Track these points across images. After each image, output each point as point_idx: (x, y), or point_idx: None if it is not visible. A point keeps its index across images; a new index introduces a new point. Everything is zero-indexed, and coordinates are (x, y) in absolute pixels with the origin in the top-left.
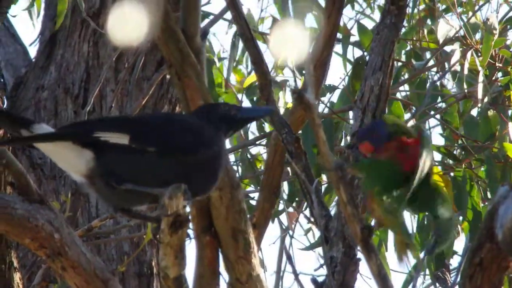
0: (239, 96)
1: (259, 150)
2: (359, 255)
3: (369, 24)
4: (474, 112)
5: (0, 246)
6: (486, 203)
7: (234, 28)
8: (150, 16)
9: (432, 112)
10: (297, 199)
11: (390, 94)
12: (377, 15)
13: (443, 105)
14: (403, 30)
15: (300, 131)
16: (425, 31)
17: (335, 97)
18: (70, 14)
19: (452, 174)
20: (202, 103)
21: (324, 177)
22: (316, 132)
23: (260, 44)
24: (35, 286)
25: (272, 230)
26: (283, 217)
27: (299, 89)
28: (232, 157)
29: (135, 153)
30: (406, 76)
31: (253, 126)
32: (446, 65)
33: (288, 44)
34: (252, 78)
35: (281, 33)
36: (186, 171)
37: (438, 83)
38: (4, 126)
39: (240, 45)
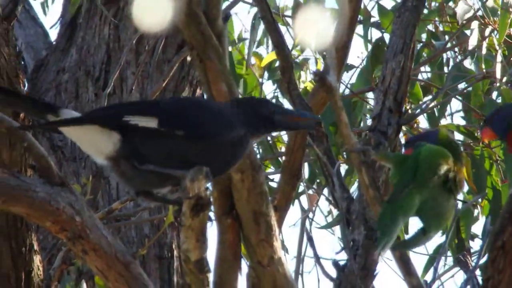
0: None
1: (279, 132)
2: None
3: (388, 4)
4: (493, 94)
5: (21, 229)
6: (505, 183)
7: (255, 8)
8: (173, 1)
9: (453, 94)
10: (317, 181)
11: (410, 76)
12: None
13: (463, 85)
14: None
15: (321, 114)
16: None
17: (354, 78)
18: None
19: (471, 153)
20: (224, 85)
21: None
22: (338, 114)
23: (281, 26)
24: (55, 269)
25: (292, 213)
26: (303, 199)
27: (321, 71)
28: None
29: (162, 137)
30: (426, 57)
31: None
32: (466, 46)
33: (310, 26)
34: (271, 56)
35: (303, 16)
36: (211, 154)
37: (457, 63)
38: (31, 111)
39: (261, 26)
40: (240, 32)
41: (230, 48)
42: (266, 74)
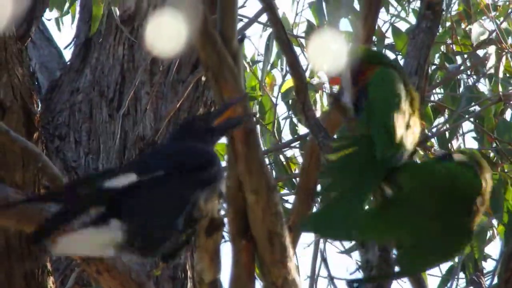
0: (273, 99)
1: (294, 153)
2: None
3: (402, 26)
4: (507, 115)
5: (34, 249)
6: None
7: (268, 31)
8: (189, 23)
9: (467, 116)
10: None
11: (424, 97)
12: (411, 18)
13: (477, 108)
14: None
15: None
16: (458, 35)
17: None
18: (106, 18)
19: None
20: (239, 106)
21: None
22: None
23: (296, 47)
24: None
25: (306, 234)
26: None
27: (335, 93)
28: (266, 160)
29: (147, 185)
30: (439, 79)
31: (286, 129)
32: (480, 68)
33: (325, 49)
34: (289, 82)
35: (318, 38)
36: (196, 187)
37: (472, 86)
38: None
39: (274, 48)
40: (253, 55)
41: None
42: (279, 96)
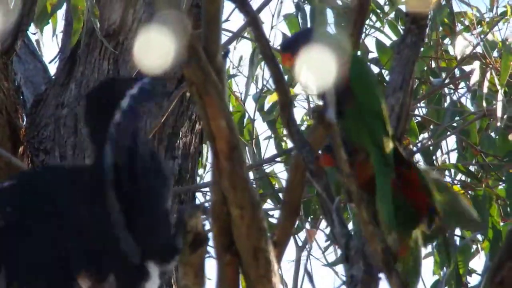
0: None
1: (273, 168)
2: (380, 274)
3: (387, 40)
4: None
5: None
6: (506, 222)
7: (241, 43)
8: (174, 38)
9: (449, 132)
10: (311, 217)
11: (409, 112)
12: (387, 30)
13: (460, 122)
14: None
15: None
16: (443, 50)
17: None
18: (90, 32)
19: (471, 192)
20: (223, 121)
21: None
22: (337, 151)
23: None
24: None
25: (291, 248)
26: (300, 235)
27: (319, 108)
28: (251, 175)
29: None
30: (423, 93)
31: (271, 145)
32: (463, 83)
33: (308, 63)
34: (273, 97)
35: (301, 54)
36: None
37: (456, 100)
38: None
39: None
40: (227, 68)
41: None
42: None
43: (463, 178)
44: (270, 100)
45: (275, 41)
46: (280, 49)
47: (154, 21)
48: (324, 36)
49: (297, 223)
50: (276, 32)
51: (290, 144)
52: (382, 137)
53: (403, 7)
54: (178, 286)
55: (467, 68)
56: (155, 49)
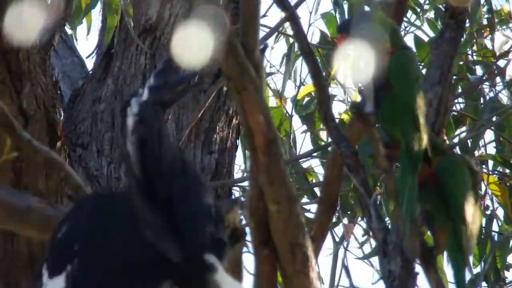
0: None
1: (310, 164)
2: (417, 268)
3: (425, 36)
4: None
5: None
6: None
7: (280, 42)
8: (213, 33)
9: (486, 127)
10: (348, 212)
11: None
12: (426, 27)
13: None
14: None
15: (358, 145)
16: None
17: None
18: (127, 27)
19: (508, 183)
20: (261, 117)
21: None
22: (376, 146)
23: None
24: None
25: (329, 243)
26: (337, 229)
27: (358, 103)
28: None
29: None
30: (461, 89)
31: (307, 140)
32: (498, 79)
33: (347, 59)
34: (305, 90)
35: (339, 48)
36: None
37: (492, 96)
38: None
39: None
40: (265, 65)
41: None
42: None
43: (501, 169)
44: (301, 93)
45: (313, 38)
46: (337, 30)
47: (192, 16)
48: (377, 21)
49: (334, 217)
50: (314, 30)
51: (325, 139)
52: (410, 131)
53: (441, 5)
54: None
55: (505, 63)
56: (193, 44)
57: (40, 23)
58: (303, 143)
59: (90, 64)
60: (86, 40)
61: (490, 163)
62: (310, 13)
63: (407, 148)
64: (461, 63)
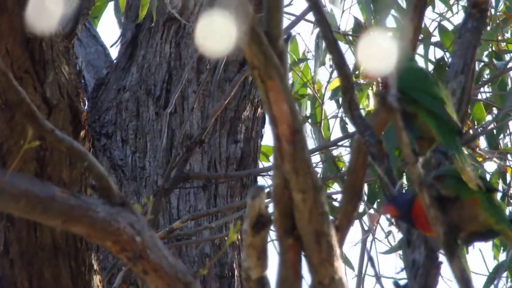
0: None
1: (340, 152)
2: (441, 258)
3: (449, 25)
4: None
5: (81, 249)
6: None
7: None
8: (237, 22)
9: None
10: (378, 200)
11: (471, 95)
12: (460, 17)
13: None
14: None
15: (382, 134)
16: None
17: None
18: (154, 14)
19: None
20: (285, 105)
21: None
22: (399, 135)
23: (343, 44)
24: None
25: (353, 232)
26: (366, 219)
27: (382, 91)
28: (315, 159)
29: None
30: (488, 77)
31: (337, 127)
32: None
33: (372, 48)
34: (336, 82)
35: (366, 38)
36: None
37: None
38: None
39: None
40: (303, 52)
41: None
42: (326, 94)
43: None
44: (331, 87)
45: (347, 25)
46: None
47: (216, 5)
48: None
49: (362, 207)
50: (348, 16)
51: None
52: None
53: None
54: (241, 269)
55: None
56: (217, 33)
57: (63, 12)
58: (333, 127)
59: (114, 53)
60: (112, 26)
61: None
62: None
63: (443, 118)
64: (488, 51)
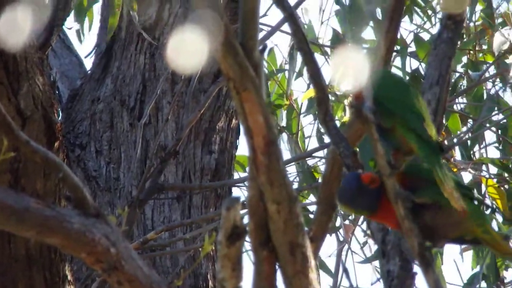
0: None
1: (316, 162)
2: (416, 268)
3: (426, 36)
4: None
5: (55, 259)
6: None
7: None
8: (211, 34)
9: (488, 125)
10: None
11: (447, 106)
12: (434, 30)
13: (500, 116)
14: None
15: (357, 145)
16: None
17: None
18: (126, 26)
19: (507, 186)
20: (261, 117)
21: None
22: (374, 146)
23: (319, 56)
24: None
25: (329, 243)
26: (342, 230)
27: (356, 103)
28: (290, 169)
29: None
30: (463, 87)
31: (313, 139)
32: (504, 77)
33: (347, 61)
34: (311, 92)
35: (341, 51)
36: None
37: (495, 94)
38: None
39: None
40: (281, 63)
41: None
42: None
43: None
44: (305, 97)
45: (325, 35)
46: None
47: (189, 19)
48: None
49: (338, 218)
50: (326, 27)
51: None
52: (419, 123)
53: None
54: (215, 280)
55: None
56: (189, 49)
57: (37, 23)
58: (310, 139)
59: (88, 64)
60: (88, 36)
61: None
62: (323, 11)
63: (423, 137)
64: (464, 62)
